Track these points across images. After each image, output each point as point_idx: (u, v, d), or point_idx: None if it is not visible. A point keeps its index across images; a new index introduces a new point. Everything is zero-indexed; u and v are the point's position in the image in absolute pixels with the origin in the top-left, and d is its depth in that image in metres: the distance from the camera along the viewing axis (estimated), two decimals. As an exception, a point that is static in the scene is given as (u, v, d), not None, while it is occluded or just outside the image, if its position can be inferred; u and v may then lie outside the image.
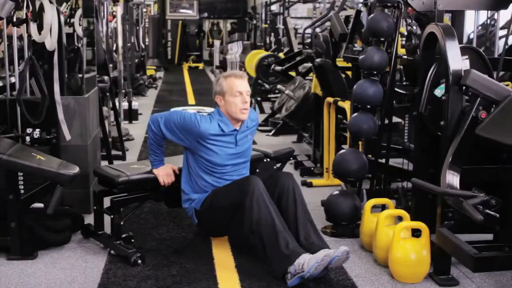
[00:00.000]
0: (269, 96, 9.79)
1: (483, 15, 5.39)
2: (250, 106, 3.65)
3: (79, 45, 4.90)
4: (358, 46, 5.13)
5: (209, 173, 3.58)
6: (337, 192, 4.04)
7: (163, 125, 3.59)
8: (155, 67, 15.68)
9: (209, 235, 3.84)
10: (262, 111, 9.31)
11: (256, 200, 3.25)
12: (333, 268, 3.27)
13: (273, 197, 3.38)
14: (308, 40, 6.16)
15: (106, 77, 5.99)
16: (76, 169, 3.57)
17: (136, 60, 11.55)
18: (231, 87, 3.53)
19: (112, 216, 3.59)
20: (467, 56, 3.49)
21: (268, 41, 13.06)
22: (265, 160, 4.13)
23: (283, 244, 3.17)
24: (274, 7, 13.72)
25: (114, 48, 8.46)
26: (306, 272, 3.07)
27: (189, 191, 3.64)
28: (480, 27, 5.68)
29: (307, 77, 6.89)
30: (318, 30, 6.59)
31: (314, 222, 3.45)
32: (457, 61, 3.23)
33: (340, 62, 5.51)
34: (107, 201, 3.69)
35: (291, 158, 5.38)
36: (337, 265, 3.18)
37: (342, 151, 4.17)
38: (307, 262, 3.07)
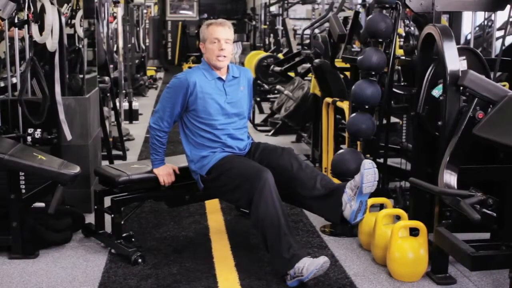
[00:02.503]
0: (268, 96, 9.81)
1: (480, 16, 5.40)
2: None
3: (80, 46, 4.93)
4: (356, 47, 5.15)
5: (204, 128, 3.55)
6: (343, 150, 4.06)
7: (162, 113, 3.59)
8: (155, 68, 15.68)
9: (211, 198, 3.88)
10: (261, 111, 9.34)
11: (265, 197, 3.21)
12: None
13: (274, 172, 3.32)
14: (307, 41, 6.18)
15: (106, 78, 6.01)
16: (77, 169, 3.59)
17: (137, 61, 11.55)
18: (211, 34, 3.55)
19: (112, 216, 3.61)
20: (464, 57, 3.51)
21: (267, 42, 13.06)
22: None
23: (285, 247, 3.16)
24: (273, 8, 13.72)
25: (115, 49, 8.47)
26: (305, 277, 3.09)
27: (190, 151, 3.61)
28: (477, 28, 5.69)
29: (306, 78, 6.91)
30: (317, 31, 6.60)
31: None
32: (454, 61, 3.25)
33: (339, 63, 5.54)
34: (107, 201, 3.71)
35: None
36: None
37: (341, 151, 4.18)
38: (307, 267, 3.08)
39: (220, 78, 3.59)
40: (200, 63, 3.66)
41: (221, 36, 3.54)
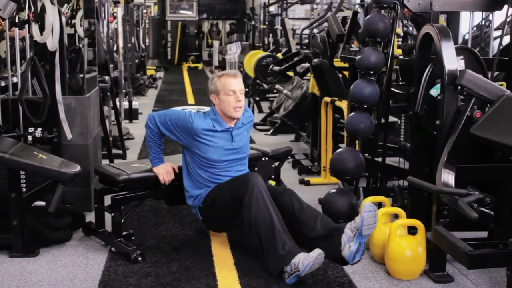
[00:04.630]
0: (267, 95, 9.82)
1: (478, 16, 5.42)
2: (249, 105, 3.69)
3: (80, 46, 4.93)
4: (355, 46, 5.17)
5: (206, 170, 3.61)
6: (334, 190, 4.06)
7: (159, 122, 3.65)
8: (155, 67, 15.70)
9: (215, 231, 3.88)
10: (260, 110, 9.34)
11: (256, 197, 3.27)
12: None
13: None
14: (306, 41, 6.20)
15: (106, 77, 6.03)
16: (77, 168, 3.61)
17: (137, 61, 11.56)
18: (225, 86, 3.58)
19: (112, 214, 3.62)
20: (462, 57, 3.53)
21: (266, 42, 13.07)
22: (263, 159, 4.17)
23: (280, 244, 3.19)
24: (273, 8, 13.72)
25: (115, 48, 8.48)
26: (301, 271, 3.11)
27: (190, 188, 3.67)
28: (475, 28, 5.71)
29: (304, 77, 6.93)
30: (315, 31, 6.62)
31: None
32: (452, 61, 3.27)
33: (337, 62, 5.56)
34: (107, 199, 3.73)
35: (289, 157, 5.43)
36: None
37: (339, 150, 4.20)
38: (302, 262, 3.11)
39: (229, 127, 3.63)
40: (210, 111, 3.67)
41: (236, 88, 3.58)
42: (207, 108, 3.91)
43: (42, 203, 3.88)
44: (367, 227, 3.15)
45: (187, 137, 3.59)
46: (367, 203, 3.21)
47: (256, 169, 4.08)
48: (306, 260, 3.09)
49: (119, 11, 8.47)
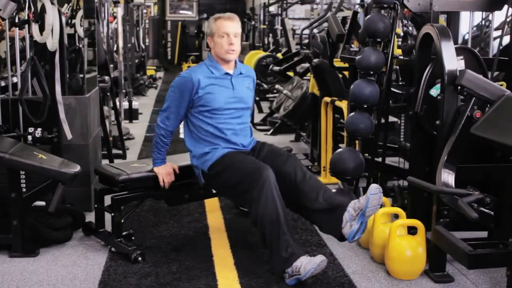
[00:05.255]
0: (268, 96, 9.83)
1: (478, 16, 5.42)
2: None
3: (80, 46, 4.93)
4: (355, 46, 5.17)
5: (207, 122, 3.55)
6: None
7: (168, 112, 3.60)
8: (155, 67, 15.69)
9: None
10: (260, 110, 9.36)
11: (265, 194, 3.21)
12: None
13: (277, 176, 3.33)
14: (306, 41, 6.20)
15: (106, 77, 6.03)
16: (77, 168, 3.61)
17: (137, 61, 11.56)
18: (219, 28, 3.58)
19: (112, 214, 3.62)
20: (462, 57, 3.53)
21: (266, 42, 13.08)
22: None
23: (284, 246, 3.17)
24: (272, 8, 13.72)
25: (115, 48, 8.48)
26: (303, 276, 3.11)
27: (193, 147, 3.61)
28: (475, 28, 5.71)
29: (304, 77, 6.93)
30: (315, 31, 6.62)
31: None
32: (452, 61, 3.27)
33: (337, 62, 5.57)
34: (107, 199, 3.73)
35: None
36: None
37: (339, 150, 4.20)
38: (304, 266, 3.10)
39: (227, 73, 3.61)
40: (207, 59, 3.66)
41: (230, 30, 3.56)
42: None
43: (42, 203, 3.89)
44: (371, 208, 3.17)
45: (193, 95, 3.54)
46: (374, 185, 3.21)
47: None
48: (308, 266, 3.09)
49: (119, 11, 8.47)
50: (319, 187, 3.39)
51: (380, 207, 3.79)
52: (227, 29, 3.56)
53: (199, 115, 3.58)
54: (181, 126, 3.76)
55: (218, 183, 3.55)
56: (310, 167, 5.71)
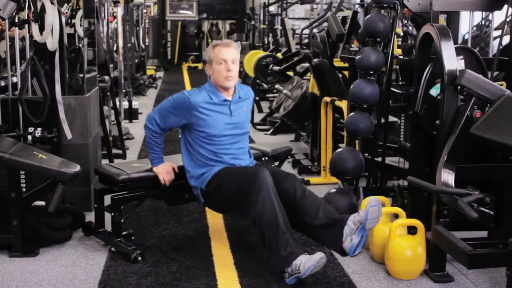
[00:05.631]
0: (267, 95, 9.84)
1: (478, 16, 5.42)
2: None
3: (80, 45, 4.93)
4: (355, 46, 5.17)
5: (206, 148, 3.57)
6: (334, 190, 4.07)
7: (157, 117, 3.64)
8: (155, 67, 15.69)
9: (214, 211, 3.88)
10: (260, 110, 9.36)
11: (263, 195, 3.24)
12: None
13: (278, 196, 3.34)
14: (306, 41, 6.20)
15: (106, 77, 6.03)
16: (77, 168, 3.61)
17: (136, 60, 11.56)
18: (217, 55, 3.58)
19: (112, 214, 3.62)
20: (462, 56, 3.53)
21: (266, 42, 13.08)
22: (263, 159, 4.17)
23: (283, 245, 3.18)
24: (272, 8, 13.72)
25: (115, 48, 8.49)
26: (302, 274, 3.11)
27: (191, 168, 3.63)
28: (474, 28, 5.71)
29: (304, 77, 6.93)
30: (315, 30, 6.62)
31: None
32: (452, 61, 3.27)
33: (337, 62, 5.57)
34: (107, 199, 3.73)
35: (289, 157, 5.43)
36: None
37: (339, 149, 4.20)
38: (303, 264, 3.11)
39: (226, 100, 3.62)
40: (206, 84, 3.66)
41: (227, 57, 3.56)
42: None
43: (42, 203, 3.88)
44: (370, 221, 3.16)
45: (187, 116, 3.56)
46: (373, 197, 3.21)
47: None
48: (308, 263, 3.09)
49: (119, 11, 8.47)
50: (319, 203, 3.40)
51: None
52: (225, 55, 3.56)
53: (197, 139, 3.60)
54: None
55: (217, 197, 3.55)
56: (310, 166, 5.71)
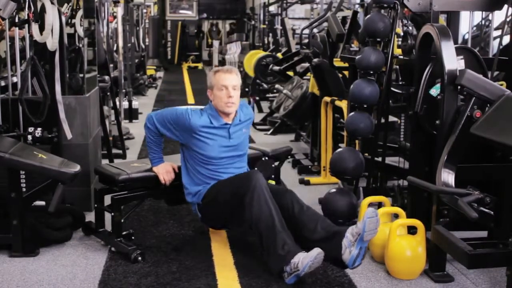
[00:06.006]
0: (267, 95, 9.84)
1: (478, 16, 5.42)
2: (249, 104, 3.69)
3: (80, 45, 4.94)
4: (355, 46, 5.17)
5: (204, 167, 3.61)
6: (334, 190, 4.07)
7: (157, 122, 3.66)
8: (155, 67, 15.71)
9: (214, 228, 3.89)
10: (260, 110, 9.36)
11: (257, 197, 3.26)
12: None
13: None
14: (306, 41, 6.20)
15: (106, 77, 6.03)
16: (77, 168, 3.61)
17: (136, 60, 11.57)
18: (218, 81, 3.60)
19: (112, 214, 3.62)
20: (462, 56, 3.53)
21: (266, 42, 13.08)
22: (263, 159, 4.17)
23: (280, 244, 3.19)
24: (272, 8, 13.72)
25: (115, 48, 8.49)
26: (301, 271, 3.11)
27: (189, 185, 3.67)
28: (475, 28, 5.71)
29: (304, 77, 6.93)
30: (315, 30, 6.62)
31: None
32: (452, 61, 3.27)
33: (337, 62, 5.56)
34: (107, 199, 3.73)
35: (289, 157, 5.43)
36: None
37: (339, 149, 4.20)
38: (301, 261, 3.11)
39: (226, 124, 3.63)
40: (208, 106, 3.67)
41: (228, 83, 3.57)
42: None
43: (42, 203, 3.88)
44: (368, 233, 3.15)
45: (185, 135, 3.60)
46: (370, 208, 3.21)
47: (255, 168, 4.07)
48: (306, 260, 3.10)
49: (119, 10, 8.47)
50: (317, 217, 3.41)
51: (380, 207, 3.82)
52: (226, 81, 3.58)
53: (196, 159, 3.62)
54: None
55: (214, 208, 3.56)
56: (310, 166, 5.71)
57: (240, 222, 3.45)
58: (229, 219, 3.57)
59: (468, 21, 4.13)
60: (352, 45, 5.17)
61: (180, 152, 3.74)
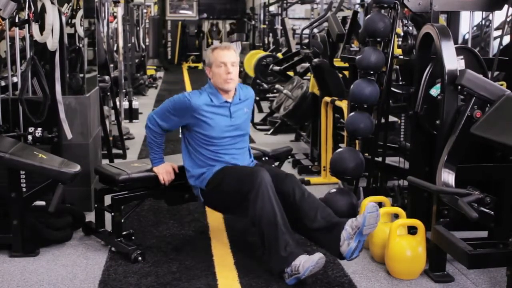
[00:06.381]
0: (268, 95, 9.84)
1: (478, 16, 5.42)
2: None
3: (80, 45, 4.93)
4: (355, 46, 5.17)
5: (206, 148, 3.59)
6: (334, 190, 4.07)
7: (158, 117, 3.65)
8: (155, 67, 15.70)
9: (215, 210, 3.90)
10: (260, 110, 9.36)
11: (262, 195, 3.24)
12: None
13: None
14: (306, 41, 6.20)
15: (107, 77, 6.03)
16: (77, 168, 3.61)
17: (137, 60, 11.56)
18: (216, 58, 3.59)
19: (112, 214, 3.62)
20: (462, 56, 3.53)
21: (266, 42, 13.08)
22: (263, 159, 4.17)
23: (282, 245, 3.18)
24: (273, 8, 13.73)
25: (115, 48, 8.49)
26: (302, 274, 3.11)
27: (191, 168, 3.64)
28: (475, 28, 5.72)
29: (304, 77, 6.93)
30: (315, 30, 6.62)
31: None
32: (452, 61, 3.27)
33: (338, 62, 5.56)
34: (107, 199, 3.73)
35: (289, 157, 5.43)
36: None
37: (339, 149, 4.20)
38: (303, 265, 3.11)
39: (226, 102, 3.62)
40: (207, 85, 3.66)
41: (227, 60, 3.57)
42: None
43: (42, 202, 3.88)
44: (368, 227, 3.17)
45: (187, 117, 3.58)
46: (371, 203, 3.22)
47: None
48: (307, 264, 3.10)
49: (119, 10, 8.47)
50: (317, 205, 3.40)
51: (380, 207, 3.82)
52: (224, 58, 3.57)
53: (197, 140, 3.61)
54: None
55: (217, 197, 3.56)
56: (310, 166, 5.71)
57: (241, 214, 3.44)
58: (231, 210, 3.59)
59: (468, 21, 4.13)
60: (352, 45, 5.17)
61: (181, 135, 3.72)
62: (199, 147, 3.61)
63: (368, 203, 3.25)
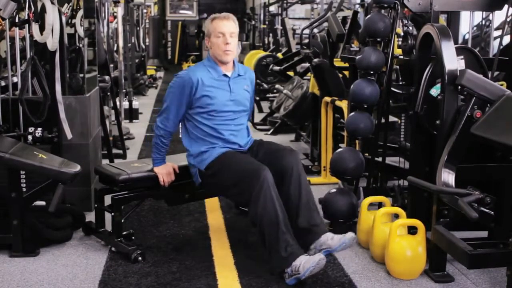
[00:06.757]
0: (268, 95, 9.83)
1: (478, 16, 5.42)
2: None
3: (80, 45, 4.93)
4: (355, 46, 5.17)
5: (206, 124, 3.58)
6: (334, 190, 4.07)
7: (167, 111, 3.62)
8: (155, 67, 15.69)
9: None
10: (260, 110, 9.35)
11: (264, 194, 3.23)
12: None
13: (275, 174, 3.34)
14: (306, 41, 6.20)
15: (107, 77, 6.03)
16: (77, 168, 3.61)
17: (137, 60, 11.56)
18: (215, 28, 3.59)
19: (112, 214, 3.62)
20: (462, 56, 3.53)
21: (266, 42, 13.08)
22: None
23: (283, 246, 3.18)
24: (273, 8, 13.73)
25: (115, 48, 8.48)
26: (302, 275, 3.11)
27: (189, 146, 3.64)
28: (475, 28, 5.72)
29: (305, 77, 6.93)
30: (315, 30, 6.62)
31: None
32: (452, 61, 3.27)
33: (338, 62, 5.56)
34: (108, 199, 3.73)
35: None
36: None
37: (339, 149, 4.20)
38: (303, 265, 3.11)
39: (225, 75, 3.62)
40: (205, 59, 3.67)
41: (225, 30, 3.56)
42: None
43: (42, 202, 3.88)
44: (340, 249, 3.28)
45: (192, 95, 3.56)
46: (352, 235, 3.28)
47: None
48: (307, 264, 3.10)
49: (119, 10, 8.47)
50: (306, 202, 3.40)
51: (380, 207, 3.82)
52: (223, 28, 3.57)
53: (197, 116, 3.60)
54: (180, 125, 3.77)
55: (214, 183, 3.55)
56: (310, 166, 5.70)
57: (237, 203, 3.44)
58: (229, 197, 3.65)
59: (468, 21, 4.13)
60: (352, 45, 5.17)
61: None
62: (198, 123, 3.60)
63: (349, 234, 3.28)
